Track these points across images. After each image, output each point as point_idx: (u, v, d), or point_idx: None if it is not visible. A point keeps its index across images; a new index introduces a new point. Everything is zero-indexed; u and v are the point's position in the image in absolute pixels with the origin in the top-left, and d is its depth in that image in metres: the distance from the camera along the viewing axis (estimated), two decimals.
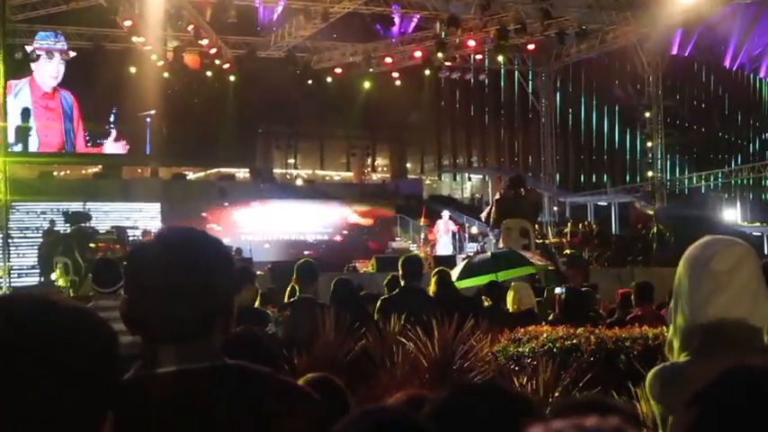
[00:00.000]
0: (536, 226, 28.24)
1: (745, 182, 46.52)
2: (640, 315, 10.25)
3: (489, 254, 17.05)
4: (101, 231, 27.76)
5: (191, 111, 39.24)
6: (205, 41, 33.57)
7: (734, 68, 63.55)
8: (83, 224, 27.44)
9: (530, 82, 44.57)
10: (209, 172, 41.93)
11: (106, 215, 30.89)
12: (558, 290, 11.55)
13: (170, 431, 2.32)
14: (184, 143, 38.46)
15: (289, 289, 10.43)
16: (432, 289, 10.22)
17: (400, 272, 9.85)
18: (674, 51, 54.80)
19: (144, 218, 31.11)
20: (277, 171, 45.23)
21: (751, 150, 61.41)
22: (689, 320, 2.79)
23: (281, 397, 2.47)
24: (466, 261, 16.25)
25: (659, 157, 38.65)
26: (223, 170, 41.54)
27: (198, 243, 2.53)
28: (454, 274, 13.61)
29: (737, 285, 2.74)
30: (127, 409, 2.29)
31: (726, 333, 2.69)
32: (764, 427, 1.60)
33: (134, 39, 32.89)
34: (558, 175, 44.28)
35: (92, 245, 25.70)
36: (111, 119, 38.97)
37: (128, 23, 32.03)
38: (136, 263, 2.57)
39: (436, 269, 11.05)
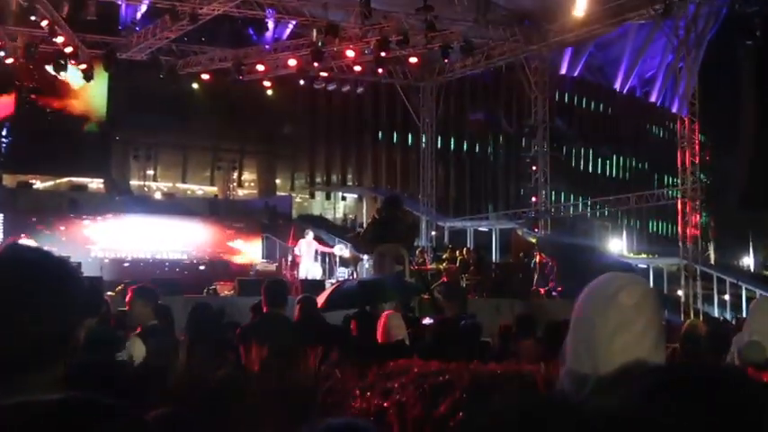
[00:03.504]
0: (414, 251, 28.48)
1: (631, 211, 47.55)
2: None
3: (356, 282, 17.06)
4: None
5: (41, 114, 38.54)
6: (60, 39, 32.96)
7: (624, 91, 65.11)
8: None
9: (410, 97, 44.84)
10: (58, 181, 41.19)
11: None
12: (426, 320, 11.58)
13: None
14: (33, 149, 37.71)
15: None
16: (296, 316, 10.18)
17: (263, 297, 9.84)
18: (563, 71, 55.97)
19: None
20: (134, 183, 44.70)
21: (637, 178, 62.83)
22: (589, 358, 2.76)
23: None
24: (332, 290, 16.18)
25: (543, 181, 38.98)
26: (75, 180, 40.84)
27: (35, 263, 2.48)
28: (320, 301, 13.58)
29: (643, 322, 2.75)
30: None
31: (620, 376, 2.65)
32: None
33: None
34: (436, 198, 44.56)
35: None
36: None
37: None
38: None
39: (300, 296, 11.03)
